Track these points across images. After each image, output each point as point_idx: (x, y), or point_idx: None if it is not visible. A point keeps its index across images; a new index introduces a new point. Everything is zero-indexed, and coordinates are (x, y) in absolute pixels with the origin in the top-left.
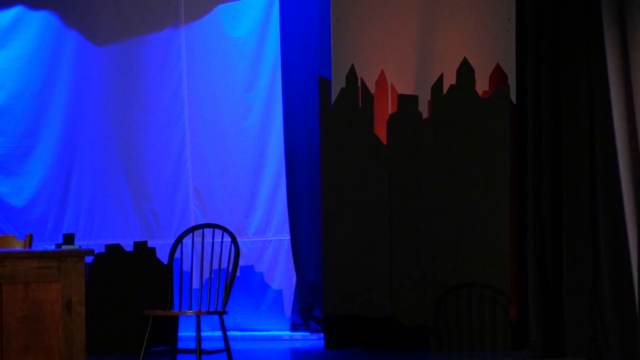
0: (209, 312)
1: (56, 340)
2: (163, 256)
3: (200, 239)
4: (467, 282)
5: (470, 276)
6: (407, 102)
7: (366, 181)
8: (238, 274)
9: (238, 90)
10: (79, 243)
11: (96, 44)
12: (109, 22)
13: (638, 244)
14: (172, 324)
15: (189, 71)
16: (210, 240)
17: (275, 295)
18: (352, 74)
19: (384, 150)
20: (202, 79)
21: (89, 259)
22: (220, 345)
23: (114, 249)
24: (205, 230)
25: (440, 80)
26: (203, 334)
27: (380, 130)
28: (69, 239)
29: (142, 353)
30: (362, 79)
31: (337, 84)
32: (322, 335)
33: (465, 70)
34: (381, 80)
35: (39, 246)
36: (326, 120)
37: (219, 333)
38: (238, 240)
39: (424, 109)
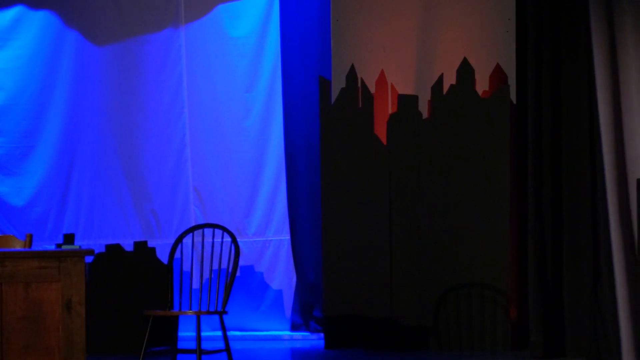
0: (209, 312)
1: (56, 340)
2: (163, 256)
3: (200, 239)
4: (467, 282)
5: (470, 276)
6: (407, 102)
7: (366, 181)
8: (238, 274)
9: (238, 90)
10: (79, 243)
11: (96, 44)
12: (109, 22)
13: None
14: (172, 324)
15: (189, 71)
16: (210, 240)
17: (275, 295)
18: (352, 74)
19: (384, 150)
20: (202, 79)
21: (89, 259)
22: (220, 345)
23: (114, 249)
24: (205, 230)
25: (440, 80)
26: (203, 334)
27: (380, 130)
28: (69, 239)
29: (142, 353)
30: (362, 79)
31: (337, 84)
32: (322, 335)
33: (466, 70)
34: (381, 80)
35: (39, 246)
36: (326, 120)
37: (219, 333)
38: (238, 240)
39: (424, 109)
